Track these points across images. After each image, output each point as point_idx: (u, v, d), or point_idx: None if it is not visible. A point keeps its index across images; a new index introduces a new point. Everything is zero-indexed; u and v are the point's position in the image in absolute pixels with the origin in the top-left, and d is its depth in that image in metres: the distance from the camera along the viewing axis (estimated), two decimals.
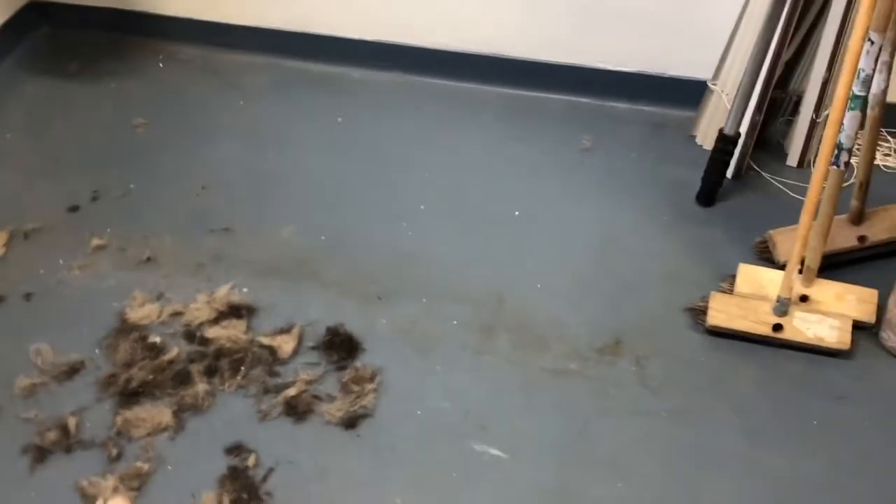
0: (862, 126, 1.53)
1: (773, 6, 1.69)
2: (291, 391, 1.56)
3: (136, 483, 1.45)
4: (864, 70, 1.40)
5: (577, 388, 1.56)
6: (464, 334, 1.67)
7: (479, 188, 1.97)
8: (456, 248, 1.83)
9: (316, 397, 1.56)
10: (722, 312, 1.60)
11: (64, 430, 1.53)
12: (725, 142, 1.77)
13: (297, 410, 1.54)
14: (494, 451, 1.48)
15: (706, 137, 1.97)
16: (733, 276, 1.68)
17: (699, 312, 1.64)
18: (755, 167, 1.96)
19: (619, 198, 1.92)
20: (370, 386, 1.57)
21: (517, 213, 1.90)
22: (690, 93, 2.01)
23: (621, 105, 2.13)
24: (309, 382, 1.58)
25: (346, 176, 2.01)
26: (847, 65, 1.37)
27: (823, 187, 1.53)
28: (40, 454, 1.50)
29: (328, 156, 2.07)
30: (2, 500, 1.45)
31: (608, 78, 2.09)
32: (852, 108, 1.44)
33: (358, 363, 1.61)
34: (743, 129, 1.79)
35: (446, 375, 1.59)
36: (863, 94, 1.43)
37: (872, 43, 1.37)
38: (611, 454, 1.47)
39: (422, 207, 1.93)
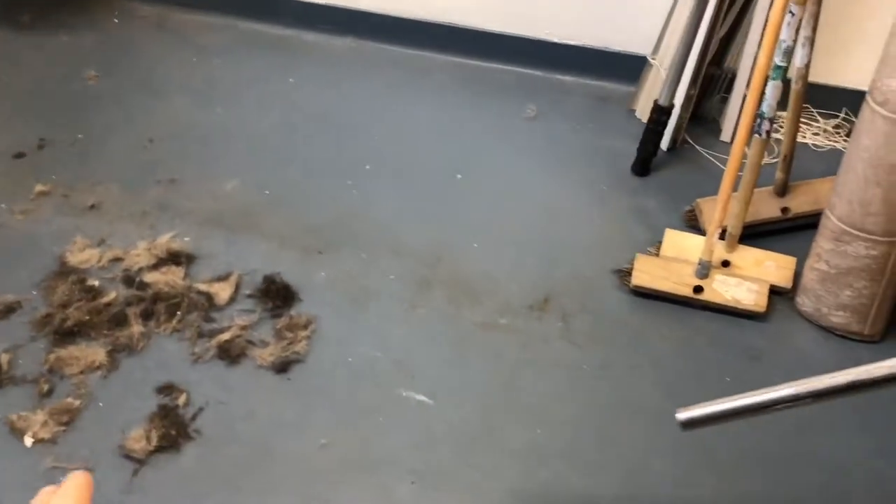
0: (786, 101, 1.60)
1: None
2: (225, 336, 1.59)
3: (66, 418, 1.47)
4: (784, 41, 1.46)
5: (505, 341, 1.62)
6: (400, 288, 1.71)
7: (424, 151, 2.01)
8: (398, 207, 1.87)
9: (249, 342, 1.59)
10: (646, 273, 1.66)
11: None
12: (660, 112, 1.83)
13: (229, 354, 1.57)
14: (421, 397, 1.52)
15: (645, 112, 2.03)
16: (661, 242, 1.75)
17: (625, 274, 1.70)
18: (690, 141, 2.03)
19: (560, 166, 1.97)
20: (303, 333, 1.61)
21: (459, 176, 1.94)
22: (632, 68, 2.07)
23: (567, 78, 2.19)
24: (243, 328, 1.61)
25: (294, 135, 2.04)
26: (768, 35, 1.44)
27: (745, 156, 1.60)
28: None
29: (277, 115, 2.10)
30: None
31: (555, 51, 2.14)
32: (774, 79, 1.50)
33: (293, 311, 1.65)
34: (678, 102, 1.85)
35: (380, 327, 1.64)
36: (783, 64, 1.49)
37: (793, 15, 1.44)
38: (532, 403, 1.52)
39: (367, 167, 1.96)
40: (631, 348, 1.61)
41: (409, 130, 2.07)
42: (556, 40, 2.14)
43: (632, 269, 1.68)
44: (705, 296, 1.63)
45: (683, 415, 1.13)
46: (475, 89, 2.18)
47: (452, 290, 1.71)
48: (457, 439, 1.47)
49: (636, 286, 1.66)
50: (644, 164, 1.90)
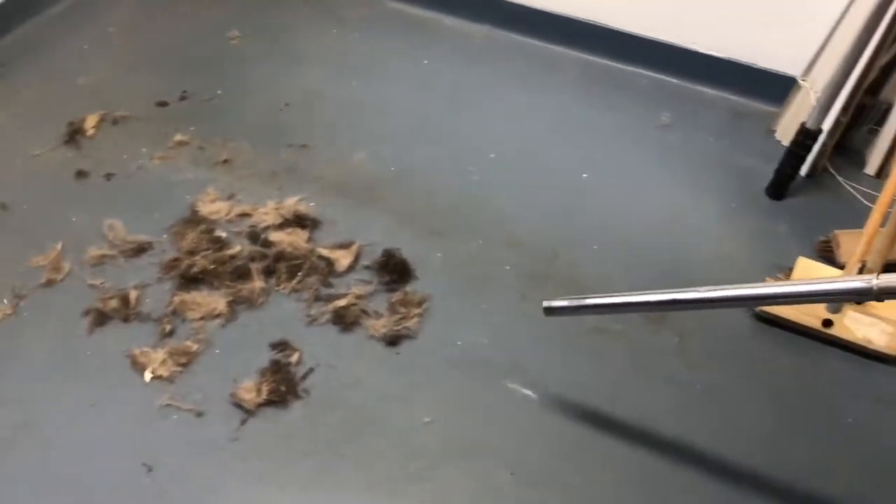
0: None
1: (876, 8, 1.67)
2: (341, 302, 1.61)
3: (184, 360, 1.53)
4: None
5: (617, 348, 1.59)
6: (514, 279, 1.70)
7: (550, 146, 1.99)
8: (519, 198, 1.86)
9: (364, 312, 1.61)
10: None
11: (125, 300, 1.61)
12: (806, 136, 1.76)
13: (344, 320, 1.59)
14: (526, 391, 1.51)
15: (786, 133, 1.96)
16: (790, 269, 1.68)
17: None
18: (831, 169, 1.94)
19: (690, 177, 1.92)
20: (416, 310, 1.62)
21: (585, 175, 1.91)
22: (777, 87, 2.00)
23: (706, 89, 2.13)
24: (359, 297, 1.63)
25: (423, 115, 2.06)
26: None
27: None
28: (100, 318, 1.59)
29: (409, 94, 2.12)
30: (59, 353, 1.55)
31: (697, 60, 2.09)
32: None
33: (408, 288, 1.66)
34: (825, 127, 1.77)
35: (491, 314, 1.63)
36: None
37: None
38: (637, 416, 1.49)
39: (492, 156, 1.96)
40: (748, 374, 1.56)
41: (537, 123, 2.05)
42: (700, 50, 2.08)
43: None
44: (834, 331, 1.56)
45: (547, 303, 1.39)
46: (607, 90, 2.14)
47: (567, 287, 1.69)
48: (558, 439, 1.45)
49: (762, 311, 1.60)
50: (780, 186, 1.83)
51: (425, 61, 2.21)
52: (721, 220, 1.83)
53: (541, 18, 2.23)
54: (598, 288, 1.67)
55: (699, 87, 2.13)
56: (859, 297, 1.09)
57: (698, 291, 1.15)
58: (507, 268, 1.72)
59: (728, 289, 1.18)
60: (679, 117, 2.05)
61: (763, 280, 1.65)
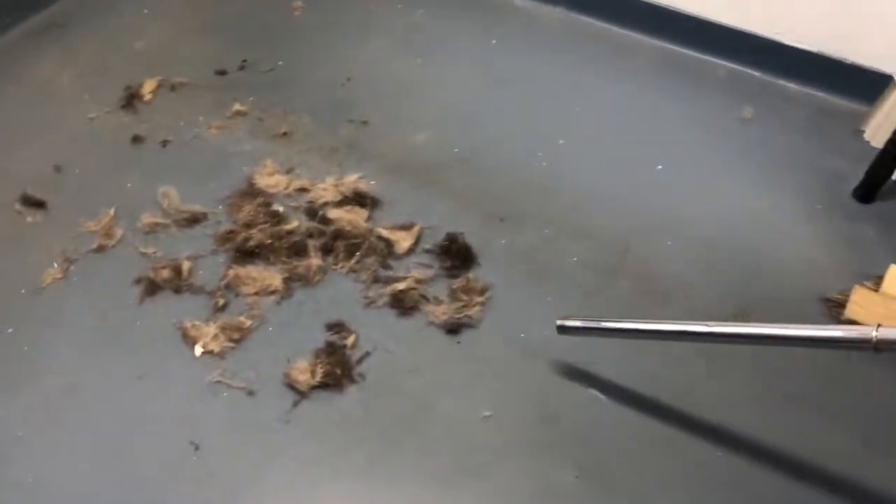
0: None
1: None
2: (401, 285, 1.54)
3: (237, 335, 1.47)
4: None
5: (690, 351, 1.48)
6: (582, 272, 1.61)
7: (623, 135, 1.89)
8: (589, 187, 1.77)
9: (423, 297, 1.53)
10: (862, 308, 1.49)
11: (177, 271, 1.56)
12: None
13: (402, 305, 1.52)
14: (593, 391, 1.43)
15: (876, 134, 1.84)
16: (880, 277, 1.57)
17: (836, 304, 1.53)
18: None
19: (772, 175, 1.80)
20: (479, 298, 1.53)
21: (659, 167, 1.81)
22: (869, 85, 1.87)
23: (790, 84, 2.00)
24: (419, 282, 1.55)
25: (490, 97, 1.97)
26: None
27: None
28: (151, 287, 1.54)
29: (475, 74, 2.03)
30: (108, 321, 1.49)
31: (783, 53, 1.96)
32: None
33: (470, 274, 1.58)
34: None
35: (557, 307, 1.54)
36: None
37: None
38: (711, 421, 1.39)
39: (561, 142, 1.86)
40: (830, 386, 1.45)
41: (609, 110, 1.95)
42: (786, 42, 1.96)
43: (845, 300, 1.51)
44: None
45: (561, 322, 1.40)
46: (685, 79, 2.03)
47: (638, 283, 1.59)
48: (628, 444, 1.36)
49: (848, 319, 1.49)
50: (870, 189, 1.72)
51: (494, 41, 2.12)
52: (805, 222, 1.72)
53: (618, 3, 2.12)
54: (674, 287, 1.58)
55: (782, 82, 2.01)
56: (858, 348, 1.08)
57: (708, 326, 1.22)
58: (575, 259, 1.63)
59: (735, 326, 1.31)
60: (761, 112, 1.93)
61: (851, 287, 1.54)
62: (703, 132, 1.90)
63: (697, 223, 1.70)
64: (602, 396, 1.42)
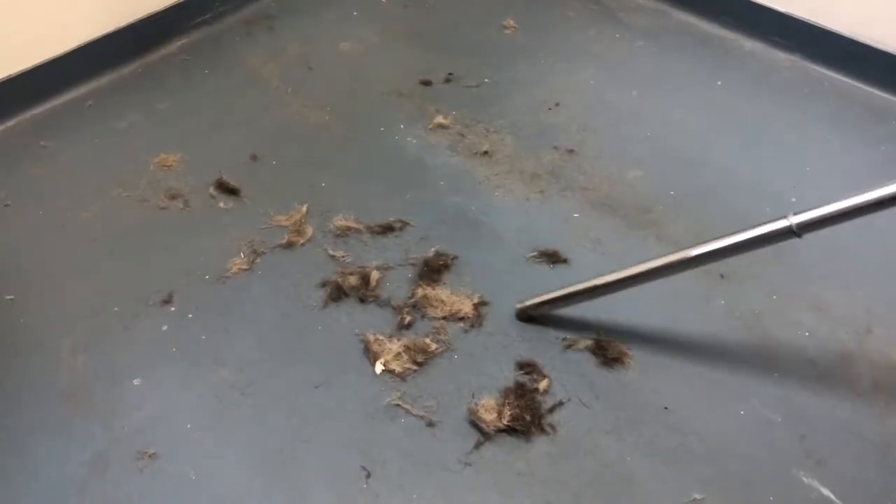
0: None
1: None
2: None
3: (420, 358, 1.34)
4: None
5: None
6: (814, 350, 1.38)
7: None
8: (827, 255, 1.54)
9: (629, 348, 1.36)
10: None
11: (365, 279, 1.46)
12: None
13: (605, 353, 1.35)
14: (826, 492, 1.19)
15: None
16: None
17: None
18: None
19: None
20: None
21: None
22: None
23: None
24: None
25: (711, 139, 1.78)
26: None
27: None
28: (337, 293, 1.45)
29: (696, 114, 1.85)
30: (289, 321, 1.41)
31: None
32: None
33: None
34: None
35: (780, 384, 1.32)
36: None
37: None
38: None
39: (793, 200, 1.65)
40: None
41: (857, 177, 1.69)
42: None
43: None
44: None
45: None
46: None
47: (879, 373, 1.35)
48: None
49: None
50: None
51: (719, 82, 1.93)
52: None
53: (862, 53, 1.90)
54: None
55: None
56: (783, 238, 1.16)
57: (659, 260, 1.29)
58: (806, 335, 1.41)
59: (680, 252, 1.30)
60: None
61: None
62: None
63: None
64: (836, 500, 1.19)
